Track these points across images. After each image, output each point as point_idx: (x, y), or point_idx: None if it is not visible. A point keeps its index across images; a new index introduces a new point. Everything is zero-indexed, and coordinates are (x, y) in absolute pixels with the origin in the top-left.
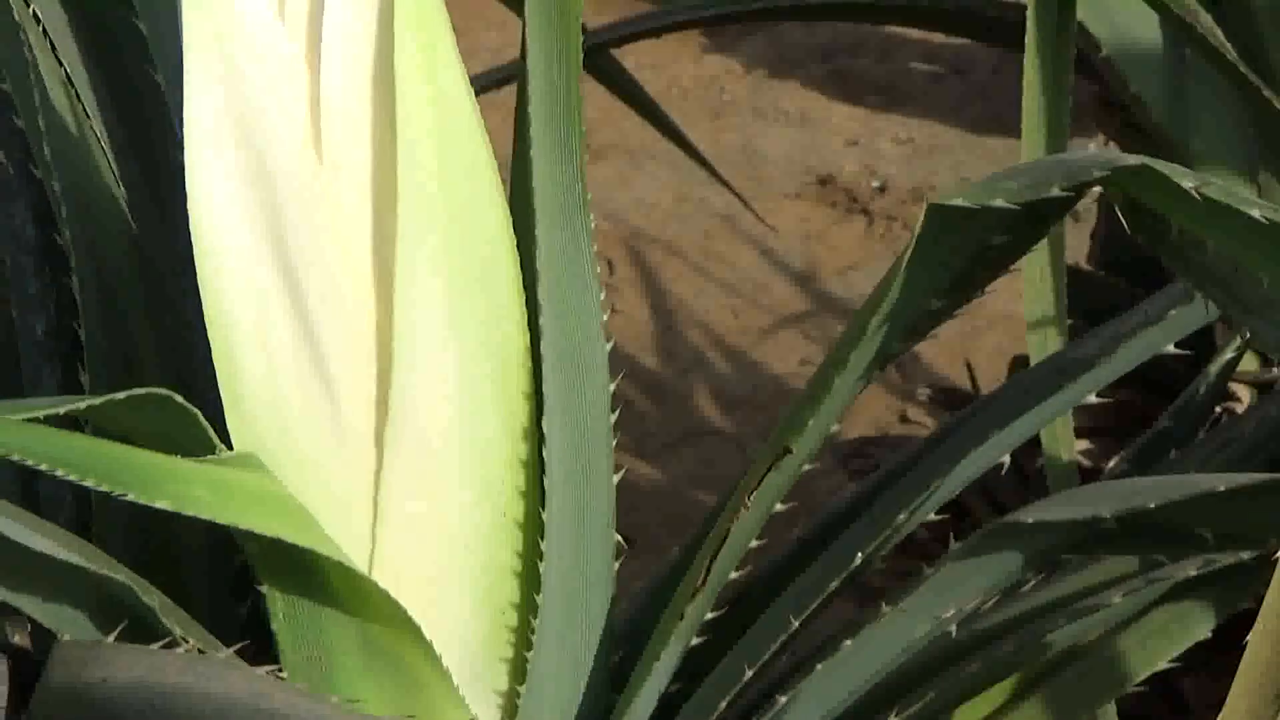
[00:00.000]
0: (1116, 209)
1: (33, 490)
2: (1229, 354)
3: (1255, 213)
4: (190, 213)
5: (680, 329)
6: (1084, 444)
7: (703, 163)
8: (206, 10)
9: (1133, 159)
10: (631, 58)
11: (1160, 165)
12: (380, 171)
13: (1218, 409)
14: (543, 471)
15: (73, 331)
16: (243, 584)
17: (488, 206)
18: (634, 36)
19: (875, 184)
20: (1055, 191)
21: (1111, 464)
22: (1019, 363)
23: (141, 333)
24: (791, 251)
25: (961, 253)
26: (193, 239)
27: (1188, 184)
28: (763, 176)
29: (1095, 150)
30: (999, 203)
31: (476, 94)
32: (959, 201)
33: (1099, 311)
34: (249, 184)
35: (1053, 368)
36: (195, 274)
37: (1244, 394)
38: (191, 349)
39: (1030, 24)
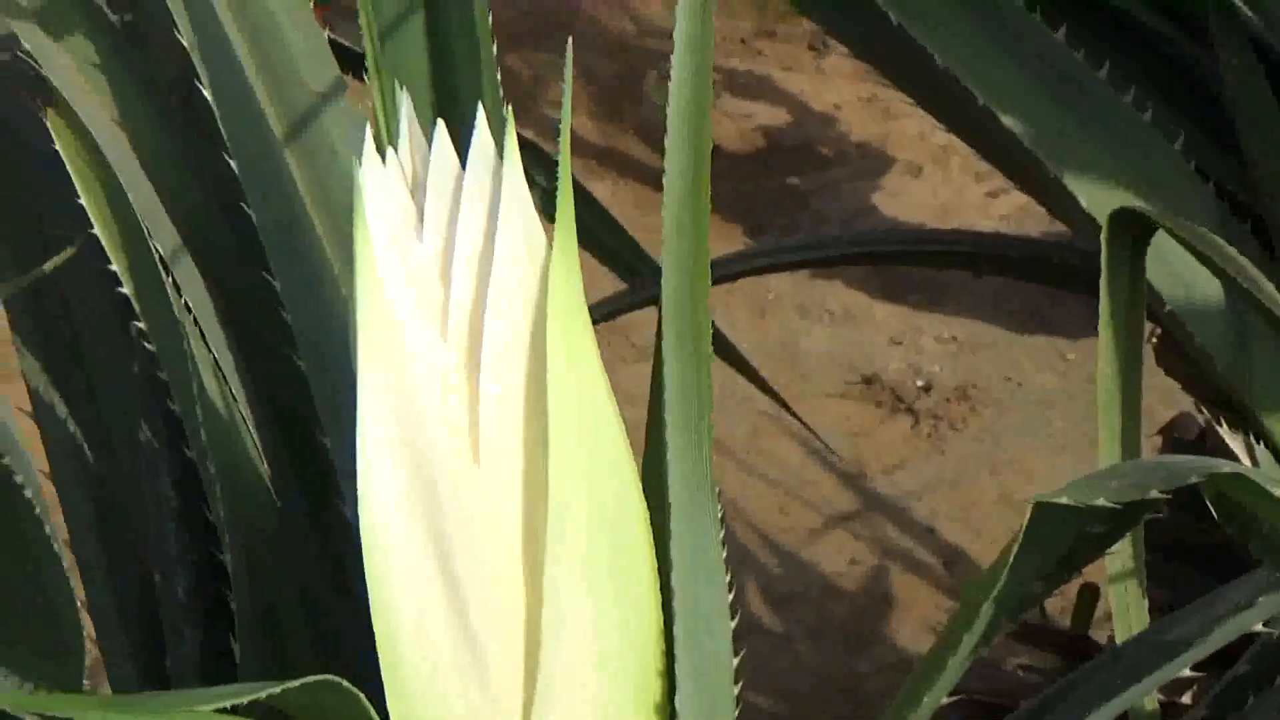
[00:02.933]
0: (1208, 501)
1: None
2: None
3: None
4: (360, 511)
5: (728, 525)
6: None
7: (742, 368)
8: (378, 331)
9: (1227, 466)
10: None
11: (1253, 474)
12: (531, 472)
13: None
14: None
15: (211, 595)
16: None
17: (628, 503)
18: (721, 280)
19: (920, 383)
20: (1154, 494)
21: (1186, 701)
22: (1089, 591)
23: (286, 603)
24: (838, 449)
25: (1063, 543)
26: (361, 535)
27: (1277, 492)
28: (806, 375)
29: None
30: (1101, 502)
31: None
32: (1064, 500)
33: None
34: (413, 485)
35: (1151, 645)
36: (334, 544)
37: None
38: (331, 618)
39: (1103, 295)
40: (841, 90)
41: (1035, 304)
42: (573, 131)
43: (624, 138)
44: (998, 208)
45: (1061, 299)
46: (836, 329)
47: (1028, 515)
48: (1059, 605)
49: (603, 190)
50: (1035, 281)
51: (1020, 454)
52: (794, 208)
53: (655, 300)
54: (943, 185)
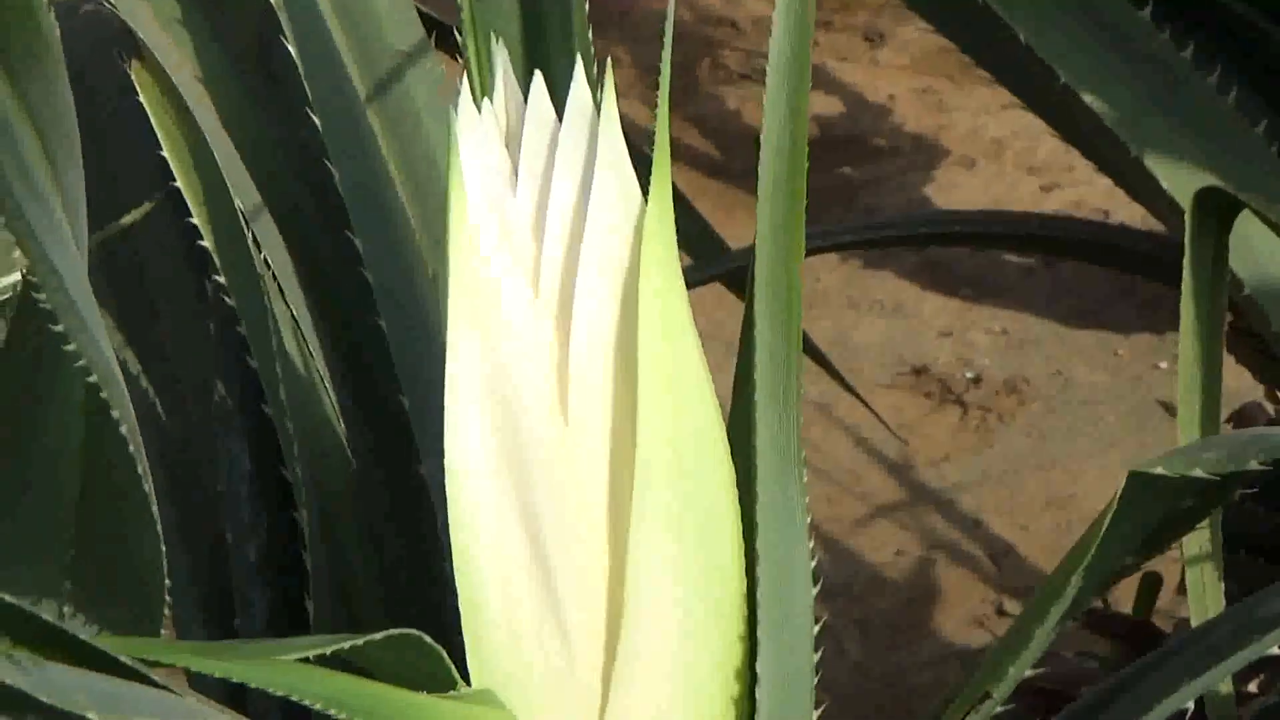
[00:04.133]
0: None
1: (241, 702)
2: None
3: None
4: (446, 469)
5: None
6: None
7: (808, 351)
8: (471, 287)
9: None
10: None
11: None
12: (619, 433)
13: None
14: (753, 712)
15: (282, 557)
16: None
17: (714, 465)
18: None
19: (969, 375)
20: (1254, 465)
21: (1254, 689)
22: (1151, 578)
23: (360, 564)
24: (886, 441)
25: (1156, 514)
26: (447, 493)
27: None
28: (856, 367)
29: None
30: (1198, 473)
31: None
32: (1160, 470)
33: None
34: (501, 444)
35: (1236, 624)
36: (410, 506)
37: None
38: (405, 580)
39: (1186, 274)
40: (896, 82)
41: (1087, 300)
42: (627, 119)
43: (679, 125)
44: (1050, 202)
45: (1113, 297)
46: (886, 320)
47: (1121, 485)
48: (1119, 594)
49: None
50: (1104, 265)
51: (1068, 449)
52: (846, 198)
53: (719, 278)
54: (996, 179)
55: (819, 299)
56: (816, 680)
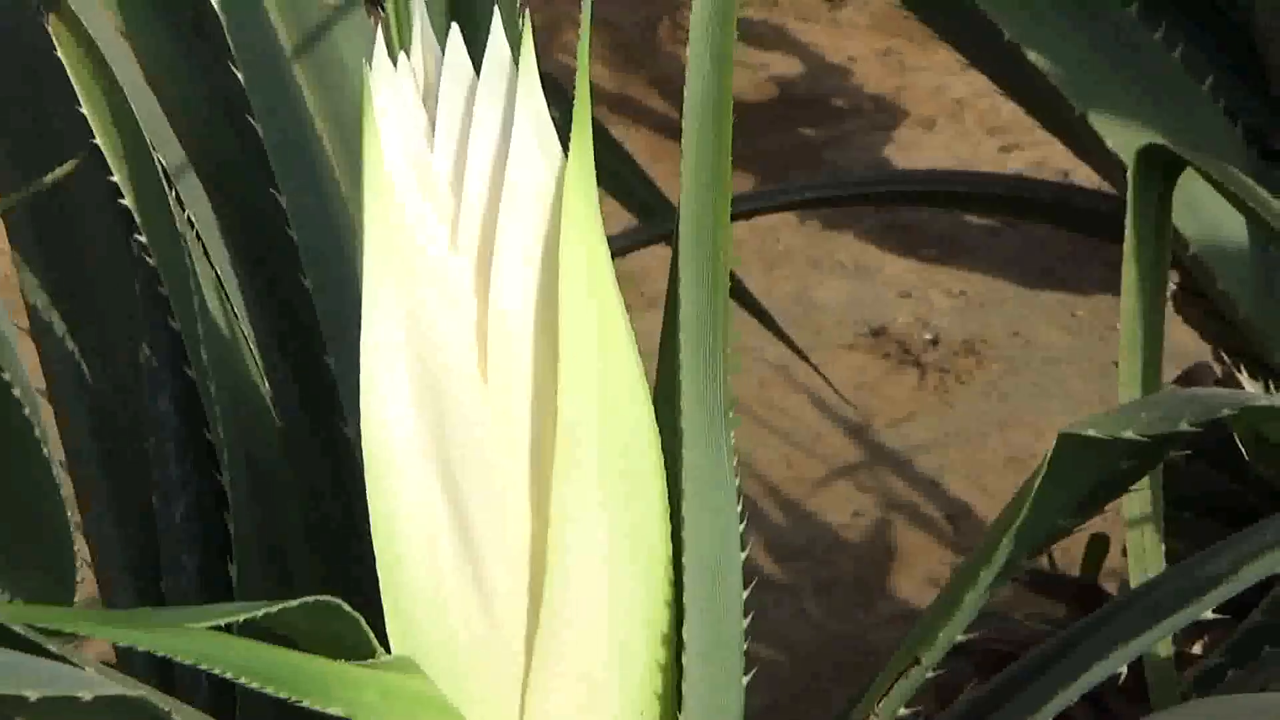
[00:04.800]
0: (1238, 439)
1: (169, 675)
2: None
3: None
4: (363, 427)
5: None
6: None
7: (760, 316)
8: (387, 240)
9: (1263, 399)
10: None
11: None
12: (541, 392)
13: None
14: (680, 676)
15: (209, 518)
16: None
17: (639, 426)
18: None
19: (928, 336)
20: (1185, 426)
21: (1197, 651)
22: (1097, 541)
23: (288, 526)
24: (845, 402)
25: (1090, 476)
26: (364, 453)
27: None
28: (817, 327)
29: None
30: (1130, 434)
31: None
32: (1091, 432)
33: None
34: (419, 404)
35: (1176, 585)
36: (337, 466)
37: None
38: (333, 542)
39: (1128, 231)
40: (856, 42)
41: (1047, 261)
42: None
43: (640, 87)
44: (1011, 163)
45: (1073, 258)
46: (847, 281)
47: (1052, 446)
48: (1067, 557)
49: (616, 137)
50: (1062, 227)
51: (1027, 409)
52: (806, 159)
53: (667, 238)
54: (956, 139)
55: (780, 259)
56: (747, 644)
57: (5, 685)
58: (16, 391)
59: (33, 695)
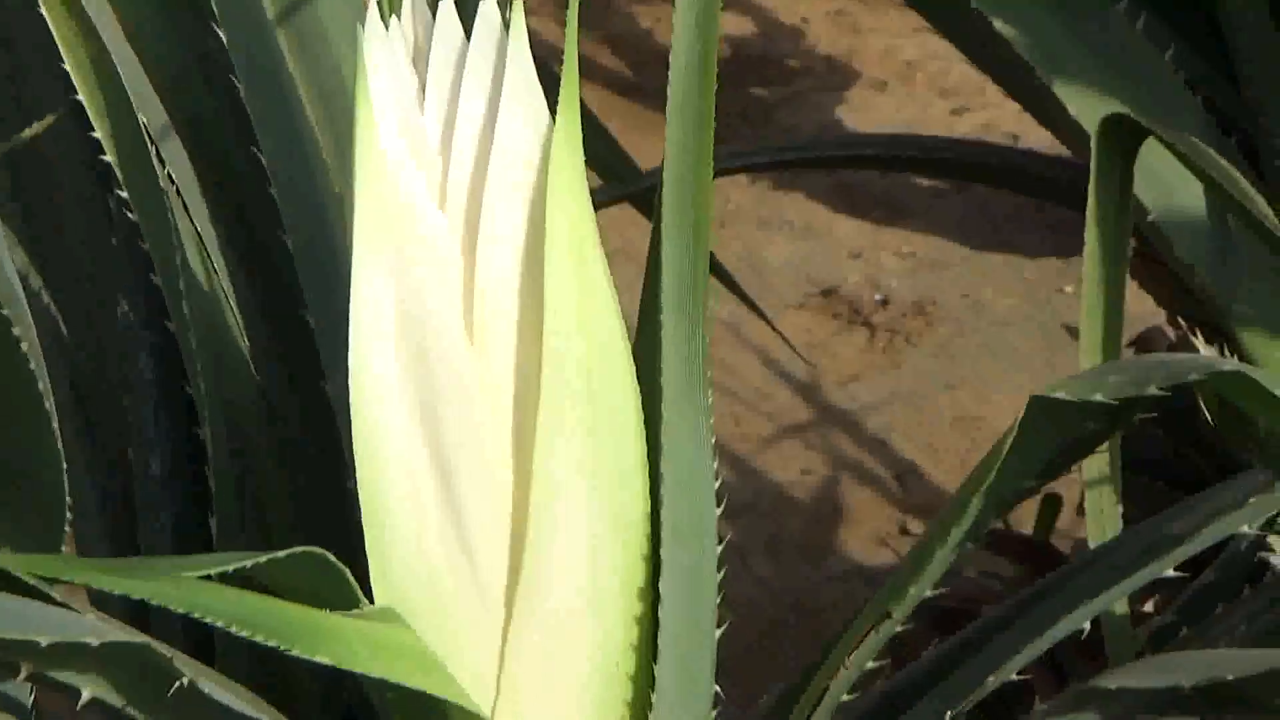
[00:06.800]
0: (1203, 404)
1: (144, 619)
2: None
3: None
4: (350, 386)
5: None
6: None
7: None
8: (377, 202)
9: (1230, 365)
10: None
11: (1256, 374)
12: (526, 352)
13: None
14: (656, 628)
15: (188, 475)
16: (355, 716)
17: (620, 384)
18: None
19: (878, 297)
20: (1153, 390)
21: (1150, 609)
22: (1052, 500)
23: (267, 481)
24: (794, 361)
25: (1058, 438)
26: (351, 410)
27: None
28: (766, 287)
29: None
30: (1099, 398)
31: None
32: (1062, 395)
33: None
34: (406, 364)
35: (1138, 545)
36: (316, 423)
37: (1278, 545)
38: (311, 498)
39: (1091, 199)
40: (809, 3)
41: (994, 224)
42: (540, 37)
43: (592, 44)
44: (961, 126)
45: (1022, 221)
46: (796, 241)
47: (1024, 409)
48: (1020, 515)
49: None
50: (1013, 189)
51: (975, 371)
52: (758, 119)
53: (628, 197)
54: (908, 101)
55: (730, 218)
56: (721, 598)
57: (18, 631)
58: (25, 347)
59: (44, 641)
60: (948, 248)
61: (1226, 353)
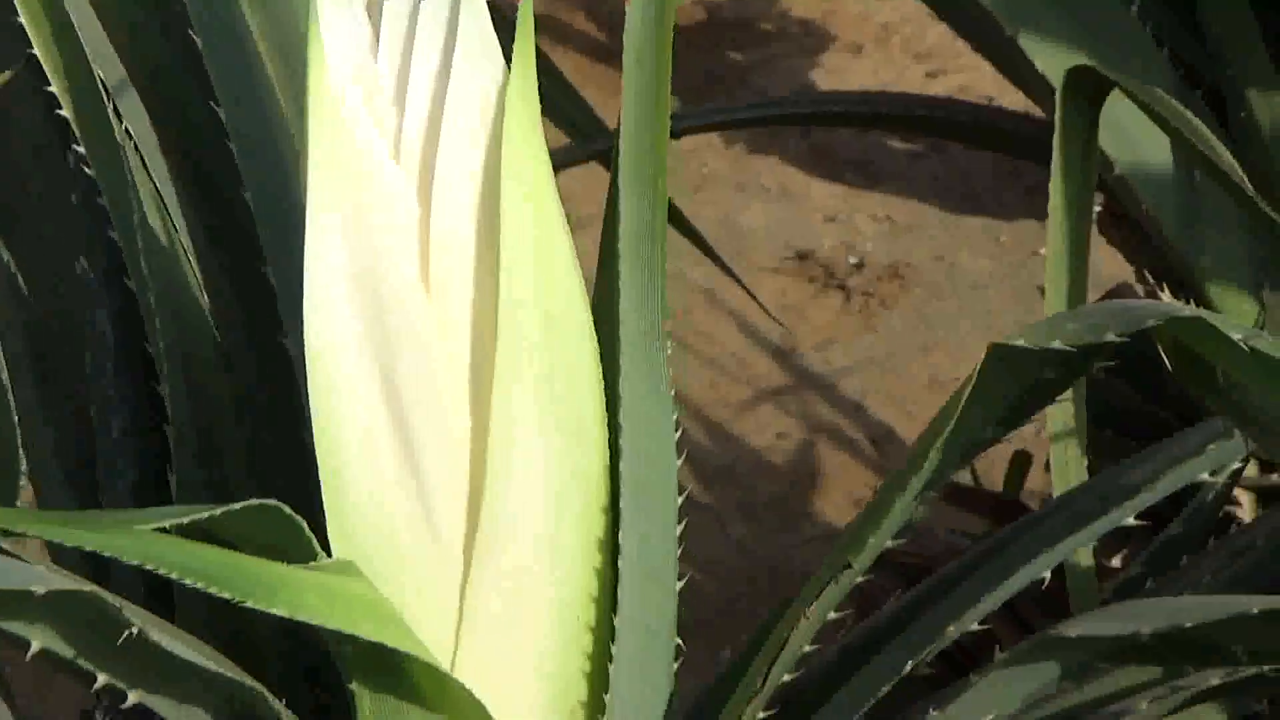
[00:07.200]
0: (1163, 351)
1: (104, 575)
2: (1236, 463)
3: None
4: (306, 337)
5: None
6: None
7: (691, 235)
8: (330, 152)
9: (1188, 311)
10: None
11: (1213, 318)
12: (482, 301)
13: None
14: (615, 580)
15: (147, 432)
16: (316, 671)
17: (577, 333)
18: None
19: (853, 260)
20: (1111, 336)
21: (1117, 564)
22: (1021, 457)
23: (226, 438)
24: (771, 326)
25: (1017, 386)
26: (307, 361)
27: (1237, 336)
28: (742, 250)
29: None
30: (1058, 345)
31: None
32: (1020, 343)
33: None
34: (361, 314)
35: (1098, 493)
36: (275, 378)
37: (1245, 499)
38: (270, 453)
39: (1056, 152)
40: None
41: (970, 187)
42: None
43: (566, 8)
44: (936, 88)
45: (997, 183)
46: (772, 205)
47: (982, 357)
48: (991, 473)
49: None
50: (988, 150)
51: (951, 333)
52: (733, 82)
53: (596, 156)
54: (883, 65)
55: (706, 182)
56: (681, 549)
57: None
58: None
59: None
60: (923, 211)
61: (1194, 305)
